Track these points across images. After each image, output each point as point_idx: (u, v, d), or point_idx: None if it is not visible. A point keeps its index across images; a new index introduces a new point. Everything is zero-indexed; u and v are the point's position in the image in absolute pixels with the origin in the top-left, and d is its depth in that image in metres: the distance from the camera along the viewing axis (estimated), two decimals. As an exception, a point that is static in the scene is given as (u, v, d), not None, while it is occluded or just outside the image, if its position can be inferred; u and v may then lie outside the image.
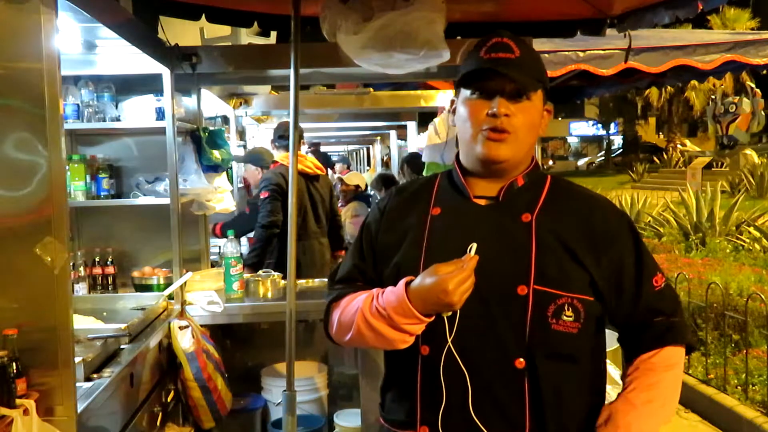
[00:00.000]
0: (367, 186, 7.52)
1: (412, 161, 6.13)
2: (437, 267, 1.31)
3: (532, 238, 1.40)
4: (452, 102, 1.54)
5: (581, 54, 4.61)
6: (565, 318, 1.38)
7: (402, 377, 1.48)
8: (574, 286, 1.40)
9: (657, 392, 1.43)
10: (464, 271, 1.29)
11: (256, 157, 4.94)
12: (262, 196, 4.23)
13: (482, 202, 1.48)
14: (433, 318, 1.35)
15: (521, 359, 1.37)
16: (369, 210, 5.90)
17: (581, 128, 42.95)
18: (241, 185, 5.38)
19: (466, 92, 1.45)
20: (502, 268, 1.39)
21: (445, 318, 1.36)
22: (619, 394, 1.45)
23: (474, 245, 1.33)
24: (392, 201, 1.59)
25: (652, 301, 1.48)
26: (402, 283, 1.36)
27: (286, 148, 4.36)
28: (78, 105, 2.97)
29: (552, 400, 1.38)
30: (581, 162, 37.84)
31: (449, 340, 1.36)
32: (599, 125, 37.97)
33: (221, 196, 3.40)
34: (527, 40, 1.85)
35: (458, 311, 1.34)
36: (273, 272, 3.33)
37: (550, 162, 37.62)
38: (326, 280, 1.70)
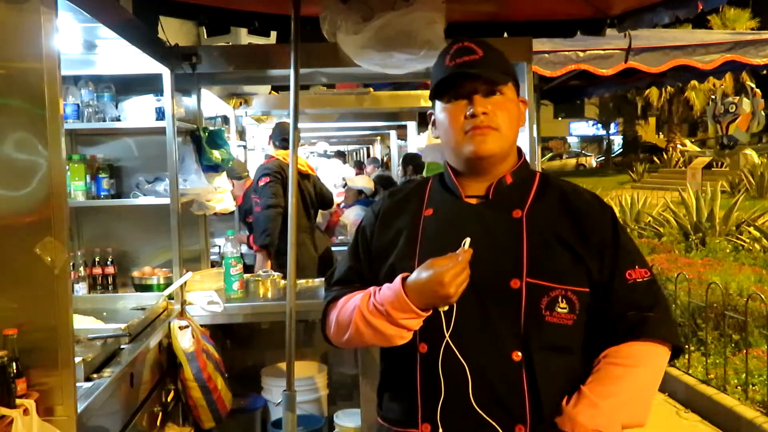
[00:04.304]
0: (377, 190, 7.43)
1: (414, 161, 6.15)
2: (433, 261, 1.33)
3: (523, 232, 1.43)
4: (430, 115, 1.57)
5: (581, 54, 4.62)
6: (559, 310, 1.40)
7: (401, 376, 1.49)
8: (568, 278, 1.41)
9: (619, 388, 1.38)
10: (459, 264, 1.31)
11: (229, 169, 4.82)
12: (261, 183, 4.26)
13: (473, 201, 1.51)
14: (430, 312, 1.36)
15: (518, 352, 1.39)
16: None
17: (581, 128, 42.96)
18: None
19: (441, 102, 1.50)
20: (495, 264, 1.42)
21: (442, 313, 1.37)
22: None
23: (468, 239, 1.35)
24: (386, 203, 1.62)
25: (625, 294, 1.44)
26: (399, 278, 1.38)
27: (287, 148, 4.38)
28: (78, 105, 2.97)
29: (550, 391, 1.39)
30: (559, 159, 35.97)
31: (447, 336, 1.38)
32: (599, 125, 38.00)
33: (221, 196, 3.41)
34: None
35: (455, 305, 1.36)
36: (273, 272, 3.33)
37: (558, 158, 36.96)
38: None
